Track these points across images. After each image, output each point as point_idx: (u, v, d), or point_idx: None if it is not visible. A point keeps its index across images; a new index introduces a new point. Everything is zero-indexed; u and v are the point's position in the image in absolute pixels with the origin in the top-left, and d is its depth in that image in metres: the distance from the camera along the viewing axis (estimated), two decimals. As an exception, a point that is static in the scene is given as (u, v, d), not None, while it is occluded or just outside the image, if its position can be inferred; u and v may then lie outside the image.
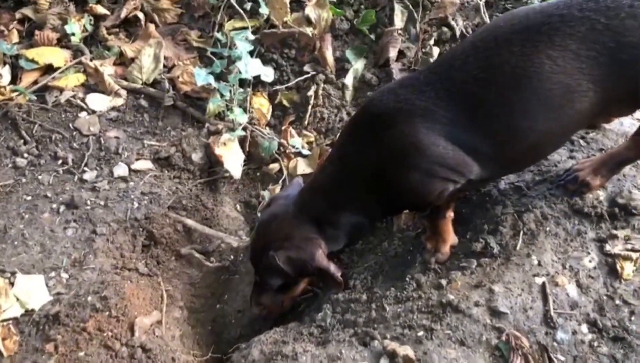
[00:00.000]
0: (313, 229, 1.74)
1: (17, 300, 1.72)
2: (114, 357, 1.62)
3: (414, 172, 1.60)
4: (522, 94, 1.53)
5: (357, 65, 2.38)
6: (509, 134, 1.58)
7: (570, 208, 1.76)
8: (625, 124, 1.97)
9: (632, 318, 1.53)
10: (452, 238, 1.80)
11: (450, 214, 1.78)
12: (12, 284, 1.75)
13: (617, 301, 1.57)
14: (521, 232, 1.73)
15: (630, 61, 1.49)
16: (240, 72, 2.24)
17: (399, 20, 2.36)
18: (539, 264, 1.65)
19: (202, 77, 2.19)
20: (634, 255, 1.62)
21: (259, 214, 1.93)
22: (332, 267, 1.73)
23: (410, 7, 2.38)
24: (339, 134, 1.94)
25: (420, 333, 1.55)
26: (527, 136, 1.58)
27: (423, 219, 1.92)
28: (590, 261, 1.65)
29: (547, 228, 1.73)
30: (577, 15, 1.52)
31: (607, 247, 1.67)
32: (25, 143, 2.16)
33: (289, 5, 2.42)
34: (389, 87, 1.70)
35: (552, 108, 1.54)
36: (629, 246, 1.65)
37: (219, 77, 2.31)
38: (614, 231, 1.70)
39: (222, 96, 2.25)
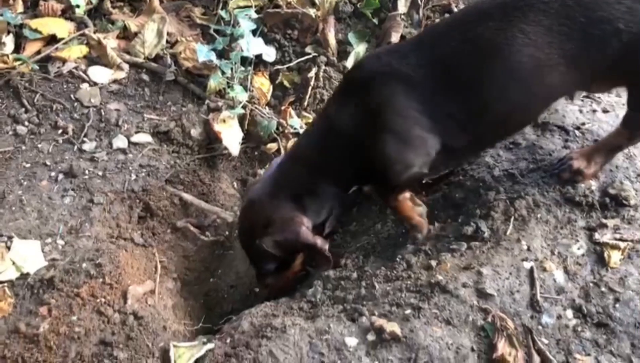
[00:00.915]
0: (292, 206, 1.79)
1: (13, 263, 1.74)
2: (106, 322, 1.65)
3: (389, 134, 1.66)
4: (494, 65, 1.60)
5: (359, 48, 2.39)
6: (481, 103, 1.65)
7: (562, 197, 1.78)
8: (621, 116, 1.99)
9: (617, 305, 1.56)
10: (414, 212, 1.85)
11: (405, 195, 1.84)
12: (8, 248, 1.77)
13: (602, 289, 1.60)
14: (512, 218, 1.75)
15: (601, 36, 1.53)
16: (242, 51, 2.25)
17: (402, 6, 2.37)
18: (528, 249, 1.67)
19: (204, 53, 2.21)
20: (622, 244, 1.65)
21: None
22: (319, 241, 1.78)
23: (415, -8, 2.40)
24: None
25: (408, 311, 1.57)
26: (498, 106, 1.65)
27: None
28: (578, 249, 1.68)
29: (538, 215, 1.75)
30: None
31: (596, 236, 1.69)
32: (27, 111, 2.17)
33: (294, -14, 2.44)
34: (376, 52, 1.77)
35: (522, 80, 1.60)
36: (617, 236, 1.68)
37: (221, 54, 2.32)
38: (604, 221, 1.72)
39: (223, 73, 2.26)
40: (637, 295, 1.57)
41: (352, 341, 1.54)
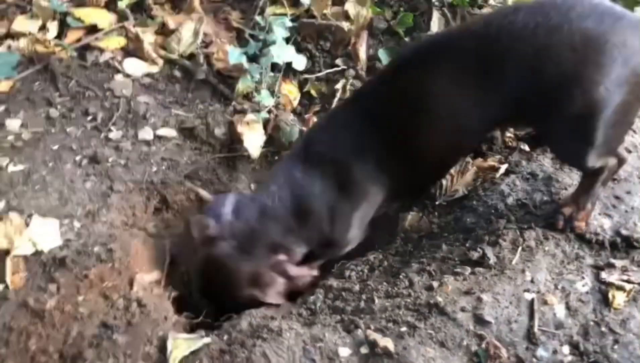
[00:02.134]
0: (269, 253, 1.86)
1: (30, 239, 1.81)
2: (110, 306, 1.69)
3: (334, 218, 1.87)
4: (419, 115, 1.73)
5: (388, 65, 2.41)
6: (416, 152, 1.78)
7: (572, 232, 1.77)
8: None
9: (615, 347, 1.54)
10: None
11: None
12: (27, 224, 1.84)
13: (603, 328, 1.58)
14: (520, 248, 1.75)
15: (505, 83, 1.63)
16: (273, 57, 2.30)
17: (435, 27, 2.39)
18: (532, 281, 1.67)
19: (235, 56, 2.26)
20: (628, 286, 1.63)
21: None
22: (305, 271, 1.91)
23: (448, 15, 2.41)
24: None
25: (403, 329, 1.59)
26: (431, 152, 1.79)
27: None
28: (583, 286, 1.66)
29: (546, 248, 1.74)
30: (459, 43, 1.70)
31: (603, 275, 1.67)
32: (61, 95, 2.25)
33: (330, -1, 2.48)
34: (320, 127, 1.97)
35: (440, 127, 1.74)
36: (624, 277, 1.66)
37: (252, 59, 2.37)
38: (613, 261, 1.71)
39: (252, 77, 2.31)
40: (638, 339, 1.55)
41: (345, 351, 1.56)
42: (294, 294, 1.90)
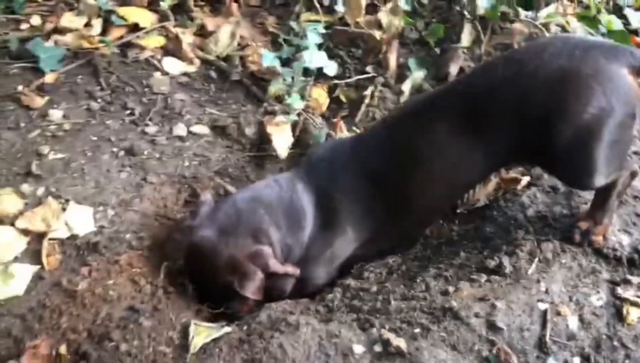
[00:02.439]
0: (252, 241, 1.82)
1: (66, 224, 1.91)
2: (138, 291, 1.77)
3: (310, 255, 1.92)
4: (414, 168, 1.83)
5: (417, 74, 2.46)
6: (407, 202, 1.88)
7: (590, 246, 1.79)
8: None
9: (627, 361, 1.56)
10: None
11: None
12: (64, 209, 1.94)
13: (615, 343, 1.60)
14: (536, 259, 1.78)
15: (495, 134, 1.72)
16: (305, 61, 2.37)
17: (465, 39, 2.44)
18: (546, 291, 1.69)
19: (269, 59, 2.35)
20: (643, 303, 1.65)
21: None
22: (290, 269, 1.86)
23: (479, 28, 2.45)
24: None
25: (417, 330, 1.63)
26: (419, 205, 1.90)
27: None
28: (598, 300, 1.69)
29: (563, 260, 1.77)
30: (447, 103, 1.80)
31: (618, 290, 1.69)
32: (102, 89, 2.37)
33: (364, 8, 2.54)
34: (321, 156, 2.00)
35: (436, 181, 1.84)
36: (640, 294, 1.68)
37: (285, 62, 2.45)
38: (629, 277, 1.72)
39: (284, 80, 2.39)
40: (649, 356, 1.57)
41: (359, 348, 1.61)
42: (270, 294, 1.87)
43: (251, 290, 1.79)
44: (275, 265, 1.81)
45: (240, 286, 1.78)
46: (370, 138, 1.98)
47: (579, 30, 2.35)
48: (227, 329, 1.70)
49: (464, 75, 2.05)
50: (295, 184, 1.91)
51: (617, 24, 2.35)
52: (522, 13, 2.46)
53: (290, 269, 1.86)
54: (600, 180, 1.69)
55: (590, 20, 2.36)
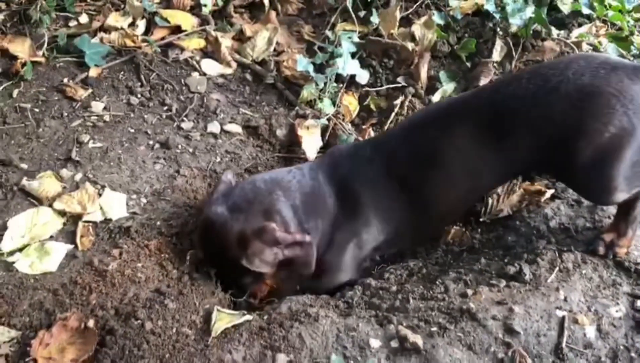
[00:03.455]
0: (261, 218, 1.83)
1: (101, 208, 1.99)
2: (165, 275, 1.84)
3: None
4: (436, 170, 1.87)
5: (447, 87, 2.51)
6: (427, 203, 1.93)
7: (612, 258, 1.80)
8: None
9: (643, 372, 1.57)
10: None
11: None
12: (100, 195, 2.02)
13: (632, 354, 1.60)
14: (557, 268, 1.79)
15: (515, 143, 1.76)
16: (337, 68, 2.44)
17: (497, 54, 2.48)
18: (565, 300, 1.71)
19: (303, 64, 2.42)
20: (662, 316, 1.65)
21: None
22: (298, 236, 1.83)
23: (511, 44, 2.50)
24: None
25: (434, 329, 1.65)
26: (438, 206, 1.94)
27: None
28: (617, 312, 1.69)
29: (584, 271, 1.78)
30: (472, 108, 1.85)
31: (638, 303, 1.70)
32: (142, 86, 2.46)
33: (398, 20, 2.61)
34: (344, 151, 2.06)
35: (458, 181, 1.89)
36: (660, 308, 1.68)
37: (319, 69, 2.52)
38: (649, 291, 1.73)
39: (316, 85, 2.46)
40: (666, 368, 1.57)
41: (376, 343, 1.64)
42: (295, 271, 1.89)
43: (261, 265, 1.80)
44: (284, 236, 1.80)
45: (248, 262, 1.79)
46: (392, 137, 2.04)
47: (610, 50, 2.37)
48: (248, 317, 1.75)
49: (490, 83, 2.10)
50: (317, 173, 1.96)
51: (649, 46, 2.38)
52: (555, 32, 2.50)
53: (299, 236, 1.83)
54: (621, 196, 1.71)
55: (622, 40, 2.39)
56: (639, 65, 1.77)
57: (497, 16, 2.52)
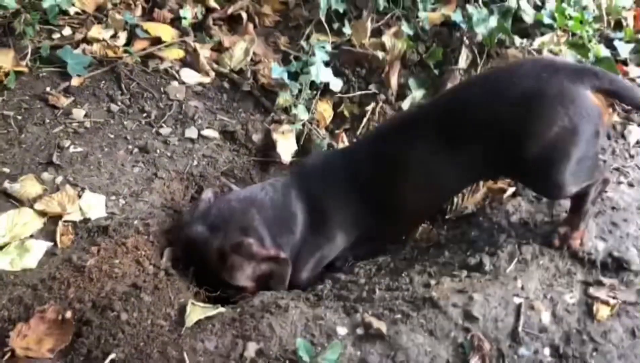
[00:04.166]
0: (239, 233, 1.97)
1: (80, 209, 2.06)
2: (141, 271, 1.91)
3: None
4: (400, 175, 1.98)
5: (417, 93, 2.62)
6: (394, 207, 2.03)
7: (567, 250, 1.90)
8: None
9: (594, 354, 1.65)
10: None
11: None
12: (79, 196, 2.09)
13: (584, 337, 1.69)
14: (516, 259, 1.88)
15: (470, 146, 1.85)
16: (311, 75, 2.54)
17: (462, 62, 2.60)
18: (522, 288, 1.80)
19: (278, 71, 2.52)
20: (613, 302, 1.74)
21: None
22: (273, 251, 1.98)
23: (476, 52, 2.62)
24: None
25: (398, 316, 1.73)
26: (403, 212, 2.06)
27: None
28: (571, 298, 1.78)
29: (541, 262, 1.88)
30: (430, 114, 1.97)
31: (591, 290, 1.79)
32: (122, 94, 2.55)
33: (369, 31, 2.73)
34: (314, 163, 2.19)
35: (419, 190, 1.99)
36: (611, 294, 1.77)
37: (294, 77, 2.62)
38: (602, 279, 1.82)
39: (291, 92, 2.56)
40: (616, 350, 1.65)
41: (342, 330, 1.72)
42: (270, 283, 2.01)
43: (241, 279, 1.95)
44: (260, 251, 1.95)
45: (229, 277, 1.94)
46: (360, 148, 2.16)
47: (569, 56, 2.49)
48: (221, 309, 1.82)
49: (446, 91, 2.22)
50: (290, 189, 2.07)
51: (604, 52, 2.50)
52: (518, 40, 2.62)
53: (273, 251, 1.97)
54: (570, 190, 1.81)
55: (580, 48, 2.51)
56: (581, 67, 1.89)
57: (464, 26, 2.65)
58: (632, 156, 2.25)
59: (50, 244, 1.94)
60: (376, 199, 2.03)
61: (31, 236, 1.97)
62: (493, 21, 2.59)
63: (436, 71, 2.67)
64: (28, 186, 2.10)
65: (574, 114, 1.71)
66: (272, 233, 2.01)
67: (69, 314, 1.71)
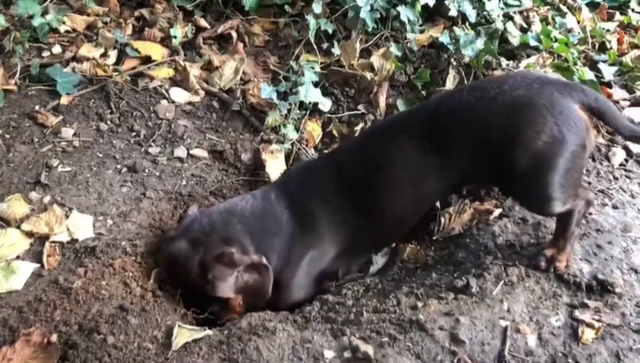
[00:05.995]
0: (220, 244, 1.95)
1: (67, 229, 2.05)
2: (128, 292, 1.90)
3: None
4: (382, 179, 1.99)
5: (405, 114, 2.64)
6: (377, 210, 2.02)
7: (553, 272, 1.92)
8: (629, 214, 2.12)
9: (579, 377, 1.66)
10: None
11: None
12: (67, 216, 2.09)
13: (569, 360, 1.71)
14: (502, 282, 1.90)
15: (456, 151, 1.88)
16: (301, 96, 2.56)
17: (449, 83, 2.63)
18: (508, 310, 1.81)
19: (267, 91, 2.54)
20: (597, 325, 1.76)
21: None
22: (255, 257, 1.96)
23: (463, 74, 2.65)
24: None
25: (385, 339, 1.74)
26: (388, 214, 2.04)
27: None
28: (556, 321, 1.80)
29: (527, 284, 1.89)
30: (417, 120, 1.99)
31: (576, 313, 1.81)
32: (111, 113, 2.55)
33: (358, 51, 2.76)
34: (295, 173, 2.20)
35: (404, 192, 2.00)
36: (596, 317, 1.79)
37: (283, 97, 2.64)
38: (587, 301, 1.84)
39: (280, 111, 2.57)
40: (601, 373, 1.67)
41: (329, 354, 1.72)
42: (252, 294, 1.99)
43: (225, 289, 1.93)
44: (242, 258, 1.94)
45: (213, 289, 1.92)
46: (344, 149, 2.17)
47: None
48: (209, 332, 1.82)
49: (433, 98, 2.24)
50: (269, 194, 2.07)
51: (589, 75, 2.54)
52: (504, 62, 2.66)
53: (255, 257, 1.96)
54: (557, 206, 1.83)
55: (565, 70, 2.55)
56: (570, 82, 1.93)
57: (451, 47, 2.68)
58: (616, 178, 2.28)
59: (36, 265, 1.94)
60: (361, 200, 2.03)
61: (17, 257, 1.96)
62: (480, 43, 2.63)
63: (424, 92, 2.69)
64: (15, 206, 2.10)
65: (563, 123, 1.75)
66: (255, 241, 2.00)
67: (54, 337, 1.70)
